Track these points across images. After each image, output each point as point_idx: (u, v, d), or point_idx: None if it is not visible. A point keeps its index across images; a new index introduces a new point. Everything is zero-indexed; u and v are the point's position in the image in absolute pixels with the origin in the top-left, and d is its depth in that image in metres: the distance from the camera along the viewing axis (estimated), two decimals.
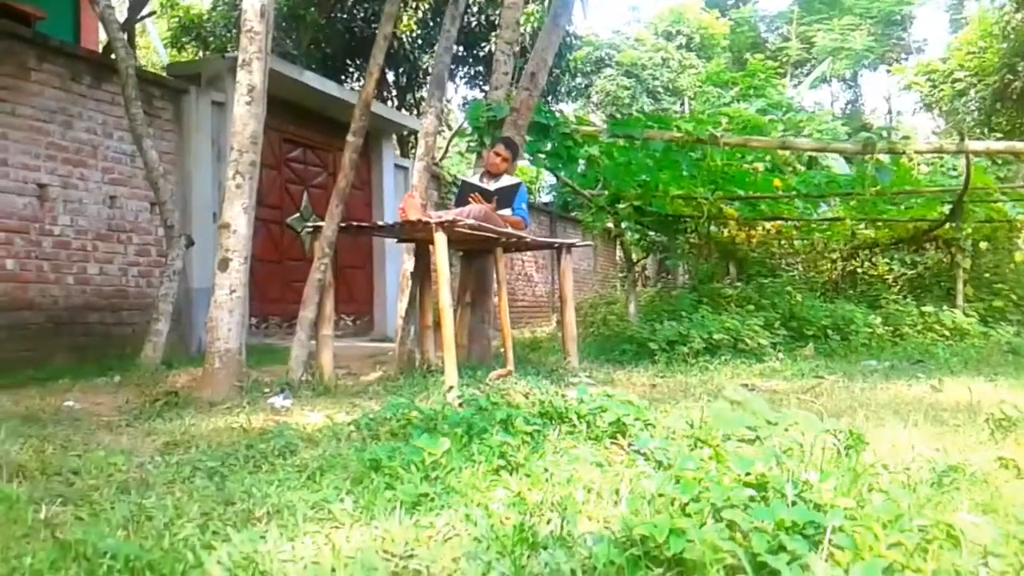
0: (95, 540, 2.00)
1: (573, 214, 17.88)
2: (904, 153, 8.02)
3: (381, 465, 2.79)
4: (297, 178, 10.96)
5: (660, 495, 2.17)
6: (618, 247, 17.76)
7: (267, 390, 5.25)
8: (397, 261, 10.06)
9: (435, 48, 7.05)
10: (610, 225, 12.94)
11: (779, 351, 8.57)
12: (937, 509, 1.77)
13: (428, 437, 2.68)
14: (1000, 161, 14.46)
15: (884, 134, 9.35)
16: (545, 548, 1.97)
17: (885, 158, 8.37)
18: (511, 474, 2.79)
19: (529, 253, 17.22)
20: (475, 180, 6.66)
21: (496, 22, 12.16)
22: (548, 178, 20.87)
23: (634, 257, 13.01)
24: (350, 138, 5.64)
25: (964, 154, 8.79)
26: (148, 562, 1.89)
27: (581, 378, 5.82)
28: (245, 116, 5.04)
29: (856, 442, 2.79)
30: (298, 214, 10.85)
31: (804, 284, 12.74)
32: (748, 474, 2.11)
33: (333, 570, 1.92)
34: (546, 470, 2.76)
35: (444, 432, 3.13)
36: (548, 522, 2.21)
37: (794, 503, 1.84)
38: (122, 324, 8.13)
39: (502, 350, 6.45)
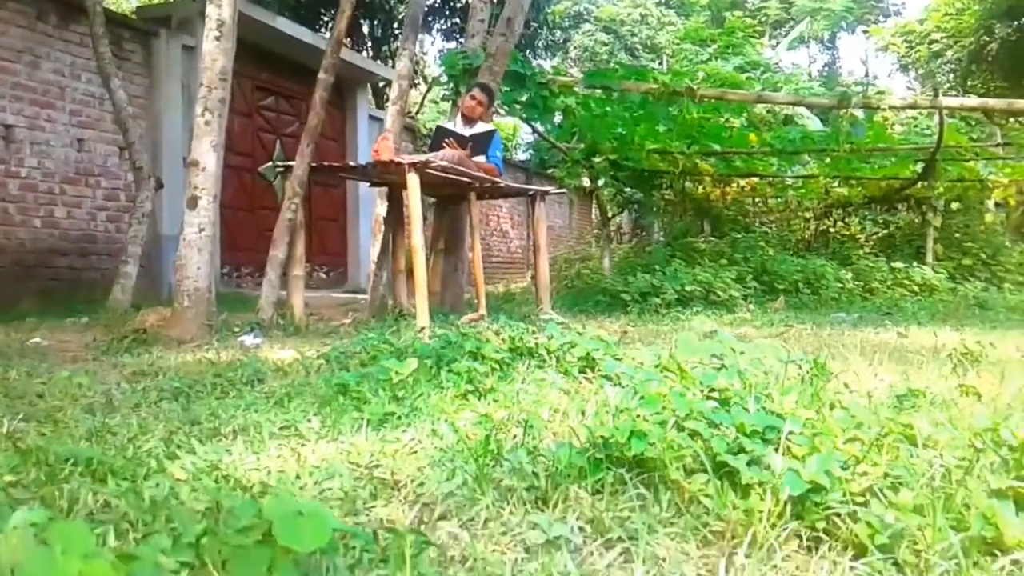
0: (57, 449, 1.99)
1: (550, 171, 17.82)
2: (879, 108, 8.04)
3: (349, 389, 2.79)
4: (270, 127, 10.83)
5: (623, 410, 2.18)
6: (594, 205, 17.76)
7: (237, 330, 5.22)
8: (371, 213, 10.00)
9: None
10: (586, 182, 12.92)
11: (750, 303, 8.64)
12: (896, 422, 1.79)
13: (396, 360, 2.68)
14: (974, 122, 14.56)
15: (859, 89, 9.36)
16: (512, 469, 1.98)
17: (860, 114, 8.39)
18: (479, 399, 2.79)
19: (504, 208, 17.18)
20: (450, 125, 6.60)
21: None
22: (525, 135, 20.76)
23: (609, 213, 13.00)
24: (321, 75, 5.56)
25: (938, 110, 8.82)
26: (110, 467, 1.88)
27: (553, 316, 5.84)
28: (214, 51, 4.95)
29: (820, 370, 2.82)
30: (271, 163, 10.71)
31: (777, 242, 12.81)
32: (711, 389, 2.12)
33: (298, 476, 1.92)
34: (515, 394, 2.77)
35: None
36: (514, 437, 2.21)
37: (756, 412, 1.86)
38: (91, 269, 8.04)
39: (475, 301, 6.45)
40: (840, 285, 9.73)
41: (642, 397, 2.19)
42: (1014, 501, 1.30)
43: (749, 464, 1.66)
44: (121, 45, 8.23)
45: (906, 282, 10.14)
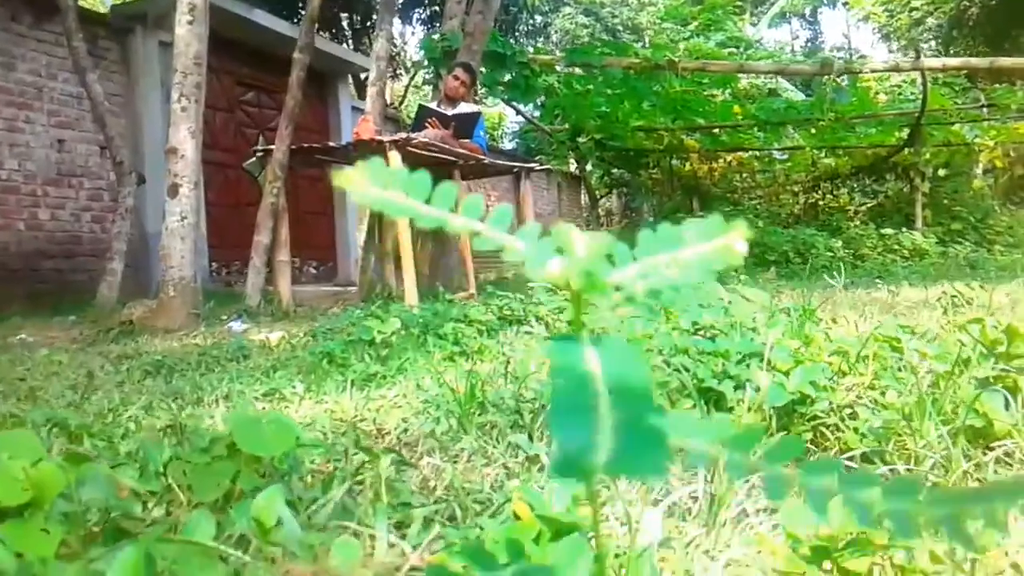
0: (33, 415, 1.95)
1: (537, 159, 17.77)
2: (860, 72, 8.01)
3: (334, 356, 2.76)
4: (252, 121, 10.74)
5: None
6: (582, 189, 17.72)
7: (225, 318, 5.19)
8: (357, 209, 9.95)
9: None
10: (573, 166, 12.89)
11: (741, 275, 8.61)
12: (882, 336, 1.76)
13: (380, 321, 2.64)
14: (958, 88, 14.55)
15: (841, 56, 9.32)
16: (495, 407, 1.94)
17: (844, 81, 8.37)
18: (466, 360, 2.76)
19: (494, 197, 17.11)
20: (432, 106, 6.56)
21: None
22: (511, 124, 20.70)
23: (597, 195, 12.96)
24: (296, 55, 5.52)
25: (920, 72, 8.80)
26: (87, 430, 1.84)
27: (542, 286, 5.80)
28: (188, 36, 4.90)
29: (808, 315, 2.79)
30: (254, 158, 10.65)
31: (767, 216, 12.79)
32: (697, 326, 2.09)
33: None
34: (502, 353, 2.74)
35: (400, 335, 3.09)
36: (499, 388, 2.18)
37: (740, 341, 1.83)
38: (77, 271, 7.98)
39: (465, 282, 6.41)
40: (831, 254, 9.72)
41: (628, 339, 2.16)
42: (1006, 388, 1.27)
43: (735, 389, 1.63)
44: (97, 43, 8.14)
45: (896, 247, 10.13)
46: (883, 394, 1.37)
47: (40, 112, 7.69)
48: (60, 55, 7.73)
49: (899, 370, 1.54)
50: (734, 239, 0.42)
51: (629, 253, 0.45)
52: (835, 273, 8.62)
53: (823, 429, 1.38)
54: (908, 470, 1.13)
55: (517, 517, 0.86)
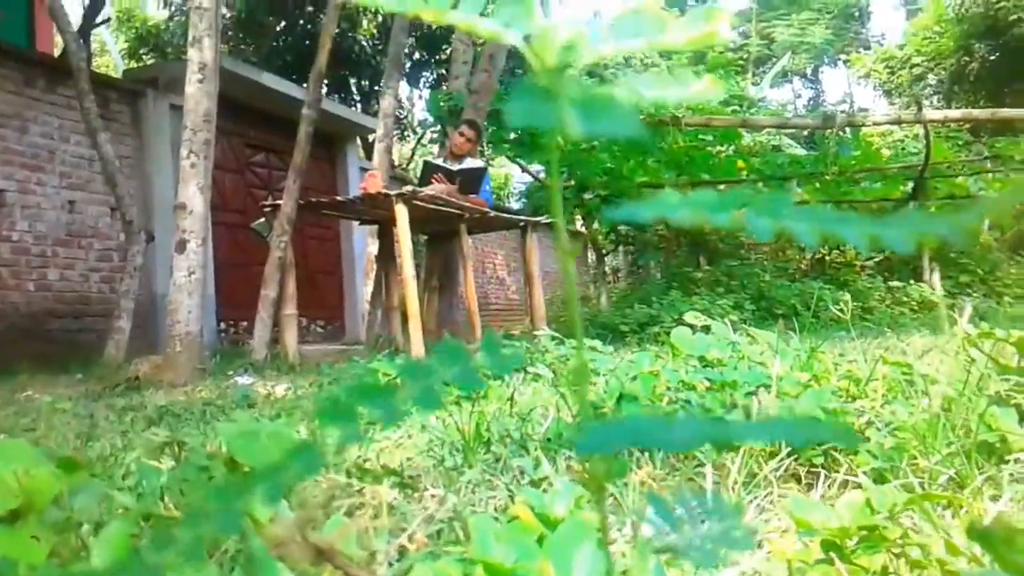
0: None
1: (543, 218, 17.86)
2: (864, 125, 8.08)
3: (339, 402, 2.74)
4: (261, 183, 10.86)
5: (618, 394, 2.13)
6: (588, 249, 17.80)
7: (231, 373, 5.17)
8: (365, 265, 10.00)
9: (392, 31, 7.01)
10: (579, 224, 12.94)
11: (748, 327, 8.58)
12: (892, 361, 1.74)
13: (387, 362, 2.63)
14: (961, 142, 14.64)
15: (842, 110, 9.42)
16: (501, 441, 1.92)
17: (846, 134, 8.44)
18: (472, 404, 2.74)
19: (500, 256, 17.19)
20: (438, 162, 6.62)
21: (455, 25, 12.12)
22: (516, 184, 20.87)
23: (603, 252, 13.00)
24: (305, 111, 5.60)
25: (923, 124, 8.87)
26: (90, 470, 1.82)
27: (548, 331, 5.79)
28: (197, 94, 4.98)
29: (814, 353, 2.76)
30: (263, 219, 10.74)
31: (774, 271, 12.79)
32: (704, 361, 2.07)
33: None
34: (509, 396, 2.71)
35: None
36: (505, 429, 2.16)
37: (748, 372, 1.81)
38: (86, 331, 7.99)
39: (471, 335, 6.40)
40: (839, 307, 9.69)
41: (634, 377, 2.14)
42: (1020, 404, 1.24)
43: (746, 418, 1.61)
44: (109, 106, 8.28)
45: (904, 300, 10.10)
46: (894, 414, 1.35)
47: (52, 174, 7.79)
48: (72, 118, 7.86)
49: (910, 394, 1.51)
50: (718, 24, 0.41)
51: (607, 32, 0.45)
52: (844, 325, 8.61)
53: (834, 452, 1.35)
54: (922, 486, 1.11)
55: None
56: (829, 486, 1.33)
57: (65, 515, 0.82)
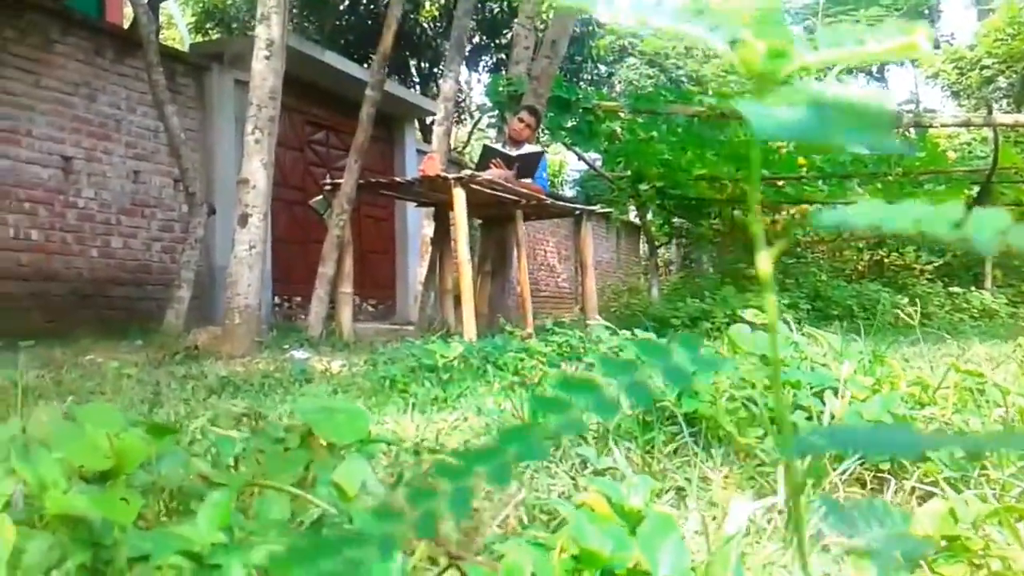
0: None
1: (598, 207, 17.78)
2: (931, 126, 7.90)
3: (395, 382, 2.77)
4: (320, 161, 10.98)
5: None
6: (641, 239, 17.67)
7: (287, 347, 5.26)
8: (419, 246, 10.08)
9: (455, 14, 7.02)
10: (633, 215, 12.87)
11: (803, 328, 8.47)
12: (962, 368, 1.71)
13: (443, 344, 2.65)
14: None
15: (909, 110, 9.22)
16: None
17: (912, 134, 8.26)
18: (526, 389, 2.75)
19: (551, 243, 17.17)
20: (497, 146, 6.63)
21: (518, 9, 12.16)
22: (571, 171, 20.80)
23: (656, 244, 12.92)
24: (368, 92, 5.64)
25: (992, 128, 8.64)
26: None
27: (600, 321, 5.77)
28: (264, 71, 5.04)
29: (879, 359, 2.72)
30: (321, 196, 10.85)
31: (830, 271, 12.60)
32: (764, 357, 2.05)
33: None
34: None
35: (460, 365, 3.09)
36: None
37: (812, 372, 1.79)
38: (146, 299, 8.17)
39: (523, 321, 6.41)
40: (896, 310, 9.51)
41: (693, 372, 2.13)
42: None
43: (807, 419, 1.59)
44: (175, 79, 8.42)
45: (964, 307, 9.88)
46: (967, 423, 1.32)
47: (118, 144, 7.96)
48: (139, 89, 8.01)
49: (981, 403, 1.49)
50: (918, 36, 0.41)
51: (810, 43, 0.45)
52: (902, 329, 8.46)
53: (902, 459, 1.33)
54: (995, 497, 1.09)
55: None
56: (897, 492, 1.31)
57: (151, 479, 0.85)
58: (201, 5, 13.90)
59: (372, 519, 0.42)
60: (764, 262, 0.46)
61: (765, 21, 0.44)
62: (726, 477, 1.49)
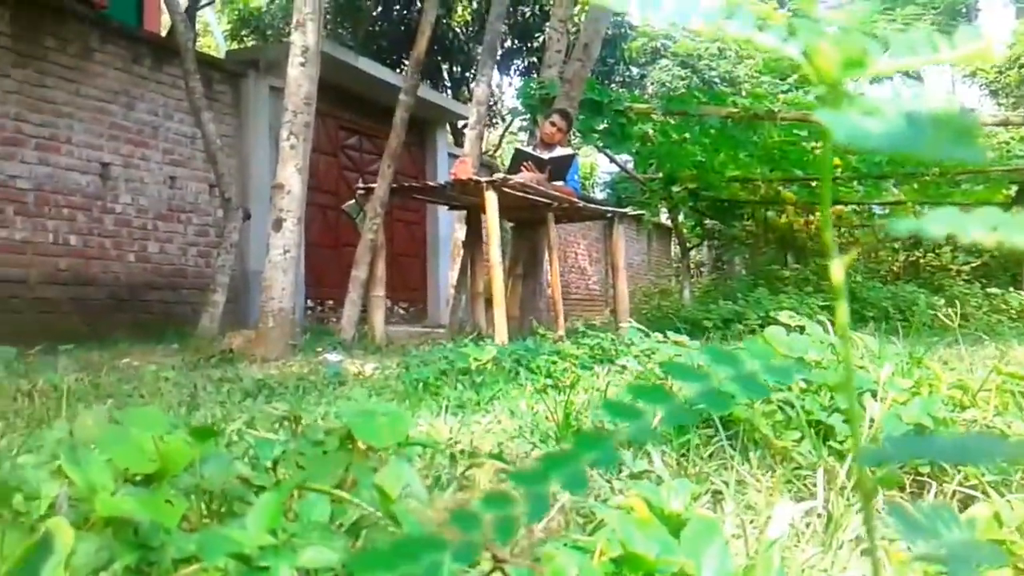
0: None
1: (628, 208, 17.73)
2: None
3: (428, 384, 2.78)
4: (353, 165, 11.06)
5: None
6: (673, 241, 17.60)
7: (320, 351, 5.30)
8: (450, 250, 10.12)
9: (488, 19, 7.04)
10: (664, 217, 12.81)
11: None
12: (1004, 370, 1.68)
13: (475, 347, 2.66)
14: None
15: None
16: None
17: None
18: (559, 393, 2.75)
19: (582, 245, 17.14)
20: (529, 149, 6.64)
21: (550, 13, 12.17)
22: (602, 174, 20.75)
23: (688, 245, 12.85)
24: (402, 97, 5.68)
25: None
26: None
27: (632, 323, 5.76)
28: (299, 77, 5.09)
29: (917, 362, 2.69)
30: (353, 200, 10.93)
31: (866, 272, 12.46)
32: (800, 359, 2.04)
33: None
34: (594, 387, 2.71)
35: (492, 368, 3.10)
36: (600, 420, 2.16)
37: None
38: (181, 303, 8.27)
39: (554, 324, 6.41)
40: (933, 312, 9.38)
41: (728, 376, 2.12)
42: None
43: (845, 422, 1.58)
44: (212, 86, 8.53)
45: (1003, 308, 9.72)
46: (1009, 426, 1.31)
47: (155, 150, 8.07)
48: (176, 96, 8.13)
49: (1023, 405, 1.47)
50: (990, 44, 0.41)
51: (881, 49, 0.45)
52: (939, 330, 8.34)
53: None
54: None
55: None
56: (937, 495, 1.30)
57: (195, 482, 0.86)
58: (237, 13, 14.07)
59: (453, 521, 0.43)
60: (838, 271, 0.46)
61: (848, 30, 0.44)
62: (760, 480, 1.48)
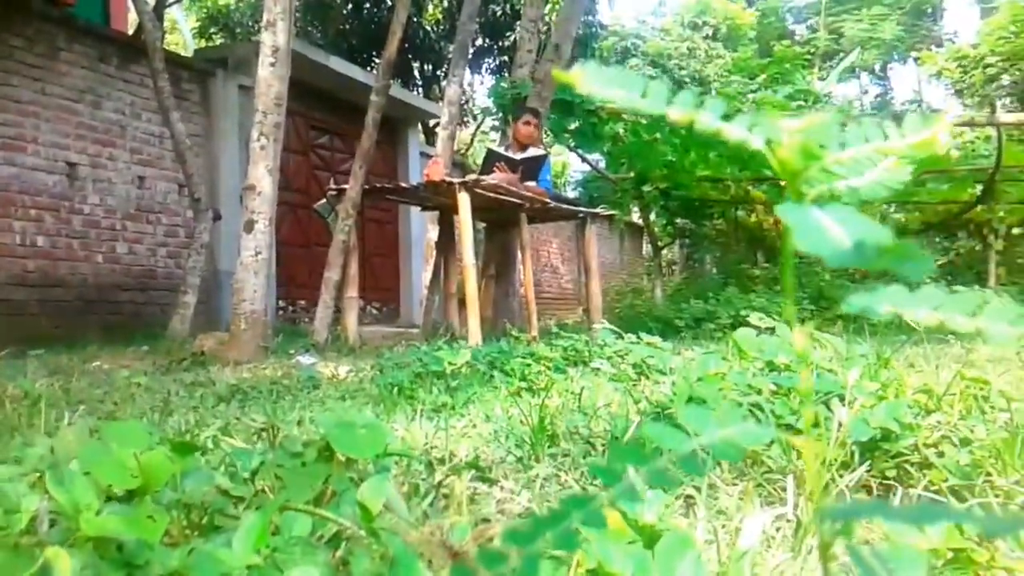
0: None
1: (600, 208, 17.79)
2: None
3: (403, 388, 2.79)
4: (324, 164, 11.02)
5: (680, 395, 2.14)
6: (644, 241, 17.67)
7: (292, 352, 5.28)
8: (423, 250, 10.10)
9: (460, 19, 7.05)
10: (636, 216, 12.87)
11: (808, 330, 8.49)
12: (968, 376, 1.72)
13: (449, 350, 2.67)
14: None
15: (912, 109, 9.22)
16: (567, 438, 1.95)
17: None
18: (533, 396, 2.77)
19: (555, 244, 17.19)
20: (501, 150, 6.65)
21: (520, 12, 12.18)
22: (574, 173, 20.82)
23: (660, 243, 12.93)
24: (373, 97, 5.66)
25: (996, 127, 8.65)
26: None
27: (605, 324, 5.80)
28: (270, 77, 5.07)
29: (884, 363, 2.74)
30: (324, 200, 10.88)
31: (834, 272, 12.59)
32: (770, 363, 2.07)
33: None
34: (569, 390, 2.74)
35: (466, 371, 3.11)
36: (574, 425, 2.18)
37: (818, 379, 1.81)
38: (151, 304, 8.20)
39: (527, 325, 6.43)
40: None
41: (699, 378, 2.15)
42: None
43: (814, 426, 1.61)
44: (180, 85, 8.46)
45: None
46: (972, 431, 1.34)
47: (123, 150, 8.00)
48: (144, 95, 8.05)
49: (986, 409, 1.50)
50: (938, 131, 0.44)
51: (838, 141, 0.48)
52: (905, 329, 8.46)
53: (907, 466, 1.35)
54: (999, 505, 1.11)
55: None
56: (902, 499, 1.33)
57: (176, 496, 0.87)
58: (205, 10, 13.95)
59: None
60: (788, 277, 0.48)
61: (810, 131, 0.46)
62: (732, 485, 1.51)
